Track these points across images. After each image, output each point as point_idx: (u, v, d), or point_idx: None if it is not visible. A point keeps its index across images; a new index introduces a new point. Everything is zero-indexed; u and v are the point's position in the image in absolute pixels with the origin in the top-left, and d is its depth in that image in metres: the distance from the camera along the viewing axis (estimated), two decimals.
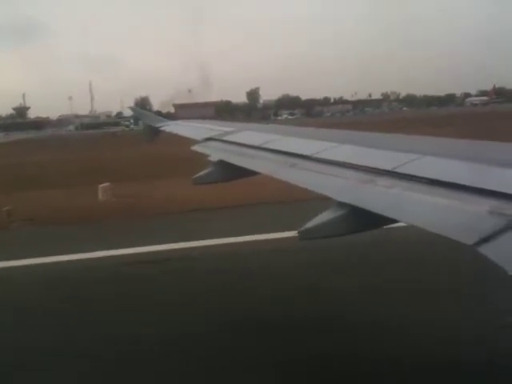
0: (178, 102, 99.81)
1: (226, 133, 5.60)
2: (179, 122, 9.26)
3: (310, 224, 2.57)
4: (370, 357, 4.69)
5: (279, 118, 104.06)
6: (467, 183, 2.12)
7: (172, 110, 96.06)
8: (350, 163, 2.98)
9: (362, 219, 2.46)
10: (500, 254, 1.64)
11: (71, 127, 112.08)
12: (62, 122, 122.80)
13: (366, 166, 2.81)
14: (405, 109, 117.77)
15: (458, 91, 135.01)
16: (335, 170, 3.02)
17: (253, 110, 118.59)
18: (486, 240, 1.72)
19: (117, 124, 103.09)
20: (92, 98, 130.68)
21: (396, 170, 2.56)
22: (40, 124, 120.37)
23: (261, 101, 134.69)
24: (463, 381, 4.20)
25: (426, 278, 6.40)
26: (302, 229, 2.58)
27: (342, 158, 3.14)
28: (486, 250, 1.69)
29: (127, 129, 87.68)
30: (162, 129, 8.64)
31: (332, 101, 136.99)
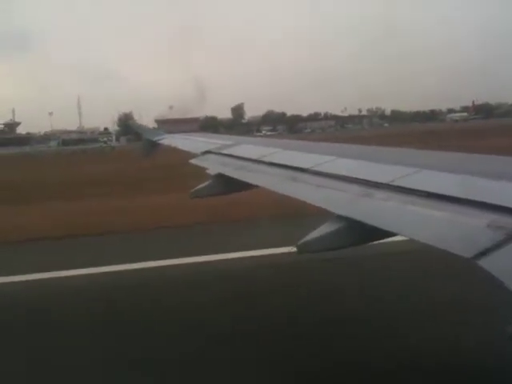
0: (160, 117, 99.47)
1: (224, 146, 5.63)
2: (177, 135, 9.29)
3: (308, 237, 2.58)
4: None
5: (259, 134, 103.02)
6: (465, 196, 2.13)
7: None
8: (347, 176, 3.00)
9: (360, 233, 2.47)
10: (498, 267, 1.65)
11: (52, 143, 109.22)
12: (49, 137, 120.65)
13: (364, 180, 2.83)
14: (386, 125, 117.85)
15: (444, 107, 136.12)
16: (333, 184, 3.04)
17: (237, 126, 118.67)
18: (484, 253, 1.73)
19: (95, 141, 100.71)
20: (80, 114, 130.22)
21: (394, 184, 2.58)
22: (25, 140, 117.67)
23: (245, 117, 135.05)
24: None
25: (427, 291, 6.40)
26: (301, 242, 2.58)
27: (340, 171, 3.16)
28: (484, 263, 1.70)
29: (104, 145, 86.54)
30: (160, 142, 8.68)
31: (321, 116, 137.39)
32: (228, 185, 4.62)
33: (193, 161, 5.70)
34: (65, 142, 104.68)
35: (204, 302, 6.49)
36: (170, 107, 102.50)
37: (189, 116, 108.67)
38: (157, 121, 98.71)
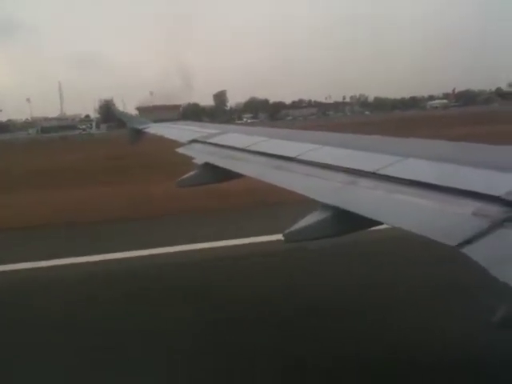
0: (141, 105, 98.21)
1: (211, 135, 5.59)
2: (163, 124, 9.22)
3: (295, 227, 2.58)
4: None
5: (240, 121, 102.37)
6: (451, 185, 2.14)
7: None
8: (332, 165, 3.00)
9: (346, 221, 2.47)
10: (483, 255, 1.66)
11: (31, 131, 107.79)
12: (30, 124, 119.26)
13: (348, 168, 2.83)
14: (367, 113, 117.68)
15: (426, 93, 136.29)
16: (318, 172, 3.03)
17: (219, 113, 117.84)
18: (469, 241, 1.74)
19: (75, 128, 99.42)
20: (61, 100, 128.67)
21: (379, 172, 2.58)
22: (4, 127, 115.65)
23: (228, 104, 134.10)
24: None
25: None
26: (287, 231, 2.58)
27: (325, 159, 3.15)
28: (469, 251, 1.71)
29: (84, 132, 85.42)
30: (145, 130, 8.60)
31: (305, 103, 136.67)
32: (215, 174, 4.60)
33: (179, 150, 5.66)
34: (44, 130, 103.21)
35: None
36: (151, 93, 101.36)
37: (171, 103, 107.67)
38: (138, 108, 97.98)
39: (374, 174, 2.60)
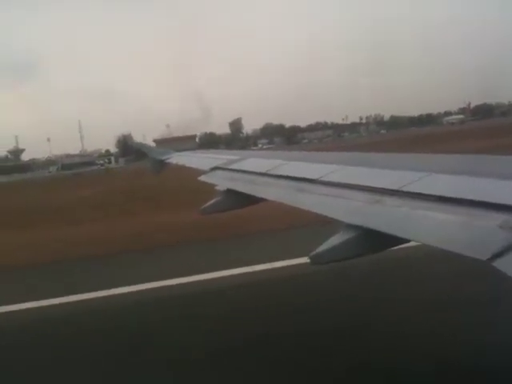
0: (158, 137, 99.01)
1: (232, 161, 5.65)
2: (184, 153, 9.35)
3: (320, 248, 2.58)
4: None
5: (255, 147, 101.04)
6: (474, 198, 2.13)
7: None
8: (355, 184, 3.01)
9: (372, 241, 2.46)
10: None
11: (51, 168, 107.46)
12: (52, 162, 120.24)
13: (372, 187, 2.83)
14: (382, 131, 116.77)
15: (442, 110, 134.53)
16: (341, 192, 3.04)
17: (236, 141, 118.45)
18: (498, 255, 1.72)
19: (91, 164, 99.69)
20: (81, 137, 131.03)
21: (403, 189, 2.58)
22: (27, 166, 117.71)
23: (244, 131, 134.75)
24: None
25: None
26: (313, 253, 2.58)
27: (347, 179, 3.16)
28: (499, 264, 1.69)
29: (102, 168, 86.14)
30: (168, 161, 8.73)
31: (321, 126, 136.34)
32: (237, 200, 4.64)
33: (201, 177, 5.73)
34: (64, 167, 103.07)
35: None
36: (167, 126, 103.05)
37: (188, 133, 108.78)
38: (155, 140, 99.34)
39: (397, 191, 2.60)
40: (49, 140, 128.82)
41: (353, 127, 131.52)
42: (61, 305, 7.82)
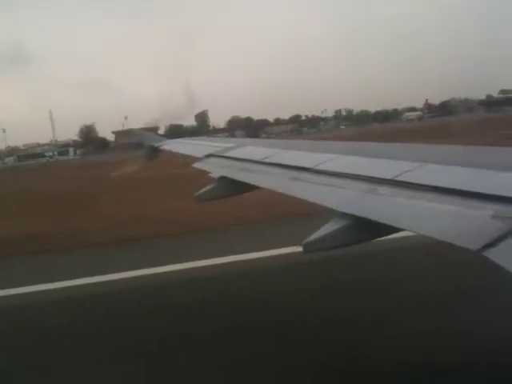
0: (116, 130, 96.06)
1: (227, 149, 5.63)
2: (179, 140, 9.31)
3: (313, 236, 2.58)
4: None
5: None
6: (469, 189, 2.13)
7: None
8: (349, 174, 3.00)
9: (365, 229, 2.46)
10: (505, 258, 1.65)
11: (7, 159, 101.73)
12: (10, 152, 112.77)
13: (366, 176, 2.82)
14: (342, 127, 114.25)
15: (409, 105, 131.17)
16: (336, 181, 3.04)
17: (202, 133, 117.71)
18: (491, 245, 1.72)
19: (41, 156, 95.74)
20: (53, 127, 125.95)
21: (397, 179, 2.58)
22: None
23: (210, 123, 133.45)
24: None
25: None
26: (306, 241, 2.58)
27: (341, 169, 3.16)
28: (491, 254, 1.69)
29: (51, 160, 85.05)
30: (162, 148, 8.70)
31: (285, 121, 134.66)
32: (231, 187, 4.62)
33: (196, 164, 5.71)
34: (20, 158, 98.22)
35: None
36: (125, 117, 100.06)
37: (151, 125, 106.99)
38: (114, 132, 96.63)
39: (391, 180, 2.60)
40: (4, 131, 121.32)
41: (313, 122, 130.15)
42: None
